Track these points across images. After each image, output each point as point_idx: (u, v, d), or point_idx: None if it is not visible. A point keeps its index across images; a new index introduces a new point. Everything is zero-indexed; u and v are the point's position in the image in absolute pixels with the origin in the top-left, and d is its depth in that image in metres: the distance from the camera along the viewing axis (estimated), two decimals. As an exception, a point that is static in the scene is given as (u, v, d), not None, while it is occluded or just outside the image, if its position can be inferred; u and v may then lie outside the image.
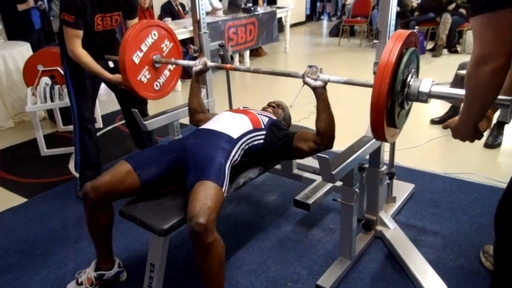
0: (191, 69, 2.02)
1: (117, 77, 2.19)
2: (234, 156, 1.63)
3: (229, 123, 1.73)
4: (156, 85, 2.21)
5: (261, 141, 1.75)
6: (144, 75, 2.11)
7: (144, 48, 2.06)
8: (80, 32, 2.15)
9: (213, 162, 1.51)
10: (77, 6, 2.08)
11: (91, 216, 1.59)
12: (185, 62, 2.13)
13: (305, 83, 1.61)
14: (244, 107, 2.01)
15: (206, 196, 1.37)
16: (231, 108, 2.35)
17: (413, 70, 1.41)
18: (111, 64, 2.37)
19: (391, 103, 1.34)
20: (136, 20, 2.40)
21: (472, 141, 1.19)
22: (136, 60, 2.03)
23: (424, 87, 1.34)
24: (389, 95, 1.29)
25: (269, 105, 2.10)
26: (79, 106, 2.40)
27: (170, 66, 2.26)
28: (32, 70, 3.25)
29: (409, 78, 1.36)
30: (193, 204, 1.36)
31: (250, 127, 1.74)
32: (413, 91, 1.36)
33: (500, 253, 1.19)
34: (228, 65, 2.11)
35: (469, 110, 1.07)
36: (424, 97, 1.35)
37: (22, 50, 3.92)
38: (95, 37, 2.27)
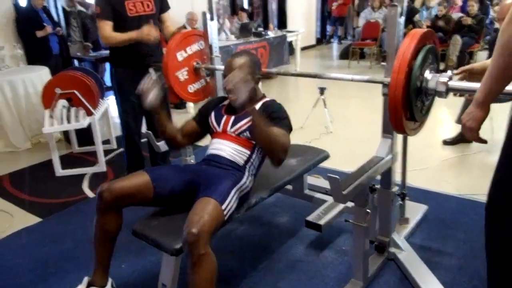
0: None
1: (139, 31, 2.31)
2: (245, 183, 1.68)
3: (232, 151, 1.73)
4: (190, 88, 2.32)
5: (260, 155, 1.78)
6: (182, 74, 2.24)
7: (189, 51, 2.22)
8: (109, 22, 2.37)
9: (220, 184, 1.56)
10: None
11: (100, 218, 1.60)
12: None
13: None
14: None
15: (203, 210, 1.42)
16: None
17: (431, 66, 1.44)
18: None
19: (408, 97, 1.37)
20: (168, 13, 2.61)
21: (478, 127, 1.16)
22: (180, 57, 2.18)
23: (442, 82, 1.38)
24: (405, 89, 1.33)
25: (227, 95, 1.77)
26: (124, 118, 2.65)
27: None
28: (50, 93, 3.34)
29: (426, 73, 1.40)
30: (190, 217, 1.41)
31: (248, 152, 1.74)
32: (431, 86, 1.40)
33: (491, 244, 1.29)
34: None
35: (494, 71, 1.07)
36: (442, 90, 1.39)
37: (41, 74, 4.04)
38: (132, 25, 2.37)
